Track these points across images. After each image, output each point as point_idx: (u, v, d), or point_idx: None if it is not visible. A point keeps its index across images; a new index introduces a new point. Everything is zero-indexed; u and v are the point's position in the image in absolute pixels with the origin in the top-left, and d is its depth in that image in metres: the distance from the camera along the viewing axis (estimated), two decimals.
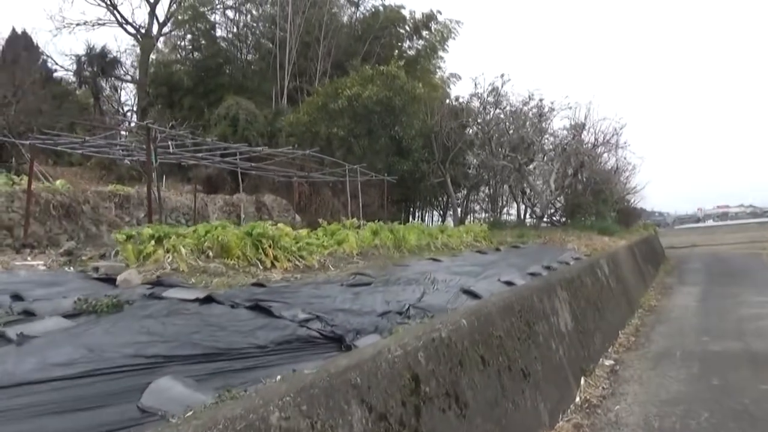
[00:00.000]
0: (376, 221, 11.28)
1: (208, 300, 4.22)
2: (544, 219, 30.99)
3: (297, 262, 7.12)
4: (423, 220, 28.35)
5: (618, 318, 9.99)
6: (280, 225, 8.21)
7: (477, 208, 30.85)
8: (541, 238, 14.80)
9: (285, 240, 7.03)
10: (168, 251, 6.07)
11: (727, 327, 9.66)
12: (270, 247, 6.77)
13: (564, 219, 27.56)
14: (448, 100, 22.20)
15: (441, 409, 3.69)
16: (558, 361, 6.15)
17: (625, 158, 24.24)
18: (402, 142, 18.29)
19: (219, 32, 36.35)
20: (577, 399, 6.03)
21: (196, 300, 4.22)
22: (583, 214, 25.56)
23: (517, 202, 22.87)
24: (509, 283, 6.96)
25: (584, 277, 8.88)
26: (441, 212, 27.04)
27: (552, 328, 6.43)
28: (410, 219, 26.11)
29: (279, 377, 2.96)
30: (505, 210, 30.82)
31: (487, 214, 26.75)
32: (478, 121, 20.03)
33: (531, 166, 18.14)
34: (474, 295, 5.94)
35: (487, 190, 26.57)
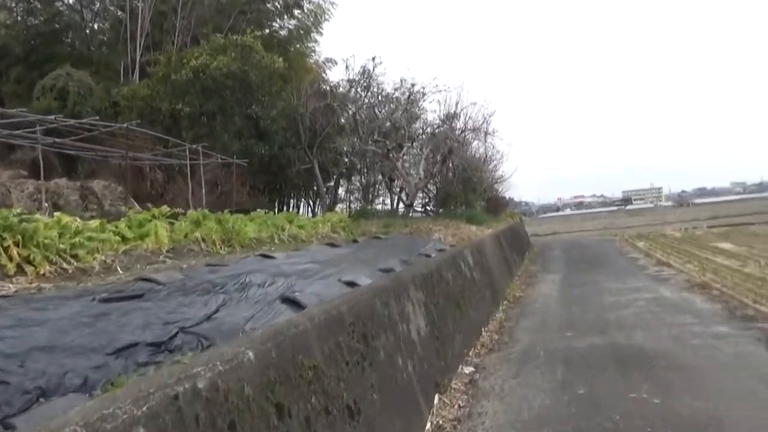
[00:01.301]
0: (230, 211, 9.51)
1: None
2: (419, 209, 30.74)
3: (66, 265, 5.22)
4: (298, 210, 26.59)
5: (482, 314, 9.19)
6: (56, 214, 6.18)
7: (352, 198, 29.80)
8: (408, 228, 13.86)
9: (46, 234, 5.09)
10: None
11: (589, 318, 9.24)
12: (17, 244, 4.82)
13: (437, 208, 27.43)
14: (317, 82, 20.59)
15: None
16: (405, 380, 4.94)
17: (493, 146, 24.36)
18: (260, 123, 16.42)
19: None
20: (428, 426, 4.87)
21: None
22: (453, 204, 25.47)
23: (389, 190, 21.97)
24: (352, 284, 5.64)
25: (445, 271, 7.87)
26: (312, 202, 25.51)
27: (399, 339, 5.20)
28: (284, 209, 24.25)
29: None
30: (380, 199, 30.09)
31: (361, 204, 25.69)
32: (348, 105, 18.72)
33: (402, 153, 17.25)
34: (296, 304, 4.52)
35: (361, 179, 25.51)
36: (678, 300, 10.15)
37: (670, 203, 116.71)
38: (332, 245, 8.45)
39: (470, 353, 7.28)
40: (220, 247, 7.11)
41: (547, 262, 20.08)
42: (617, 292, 11.48)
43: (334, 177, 21.79)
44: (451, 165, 18.80)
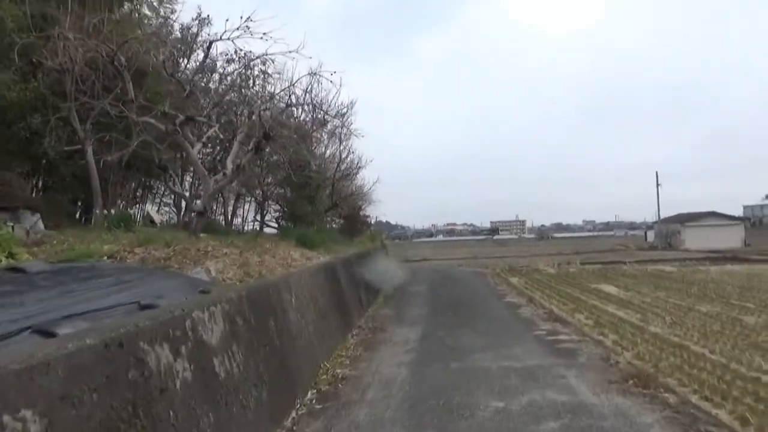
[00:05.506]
0: None
1: None
2: (272, 224, 24.65)
3: None
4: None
5: None
6: None
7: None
8: (170, 248, 8.04)
9: None
10: None
11: None
12: None
13: (287, 224, 21.76)
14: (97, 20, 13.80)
15: None
16: None
17: (349, 149, 18.96)
18: None
19: None
20: None
21: None
22: (302, 219, 19.99)
23: (168, 188, 15.51)
24: None
25: None
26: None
27: None
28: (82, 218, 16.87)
29: None
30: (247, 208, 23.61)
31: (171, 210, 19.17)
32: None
33: (205, 136, 11.36)
34: None
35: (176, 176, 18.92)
36: (616, 419, 5.36)
37: (532, 236, 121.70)
38: None
39: None
40: None
41: (406, 303, 15.15)
42: (504, 384, 6.56)
43: (122, 166, 15.06)
44: (281, 160, 13.01)
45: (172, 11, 17.55)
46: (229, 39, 9.71)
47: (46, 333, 3.24)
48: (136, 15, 16.32)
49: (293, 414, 5.69)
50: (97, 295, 4.46)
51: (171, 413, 3.57)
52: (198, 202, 10.93)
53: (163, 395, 3.54)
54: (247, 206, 24.48)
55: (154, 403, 3.42)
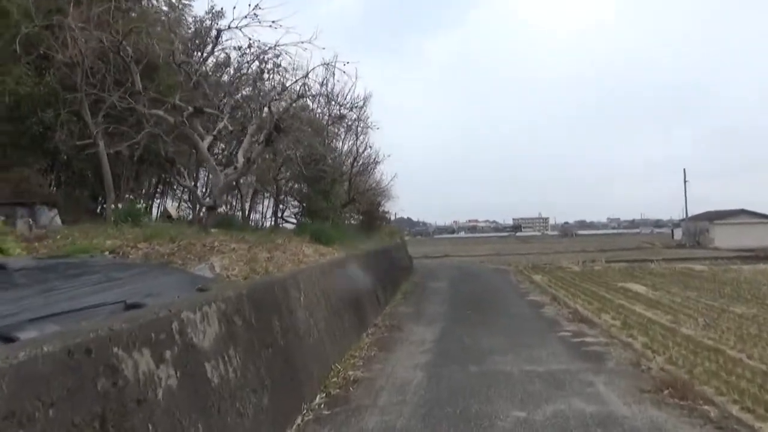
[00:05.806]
0: None
1: None
2: (291, 219, 24.38)
3: None
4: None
5: None
6: None
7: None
8: (174, 243, 7.72)
9: None
10: None
11: None
12: None
13: (305, 220, 21.47)
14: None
15: None
16: None
17: (368, 144, 18.39)
18: None
19: None
20: None
21: None
22: (319, 215, 19.64)
23: (176, 181, 15.20)
24: None
25: None
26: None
27: None
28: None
29: None
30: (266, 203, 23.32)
31: (190, 206, 18.95)
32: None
33: (218, 129, 11.02)
34: None
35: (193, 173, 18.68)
36: None
37: (555, 233, 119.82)
38: None
39: None
40: None
41: (426, 300, 14.70)
42: (526, 391, 6.06)
43: (135, 160, 14.81)
44: (296, 153, 12.59)
45: (186, 6, 17.31)
46: (237, 27, 9.33)
47: (5, 338, 2.88)
48: (151, 6, 16.06)
49: (299, 420, 5.29)
50: (82, 294, 4.10)
51: (150, 426, 3.18)
52: (210, 196, 10.60)
53: (141, 406, 3.16)
54: (266, 202, 24.21)
55: (129, 416, 3.03)
